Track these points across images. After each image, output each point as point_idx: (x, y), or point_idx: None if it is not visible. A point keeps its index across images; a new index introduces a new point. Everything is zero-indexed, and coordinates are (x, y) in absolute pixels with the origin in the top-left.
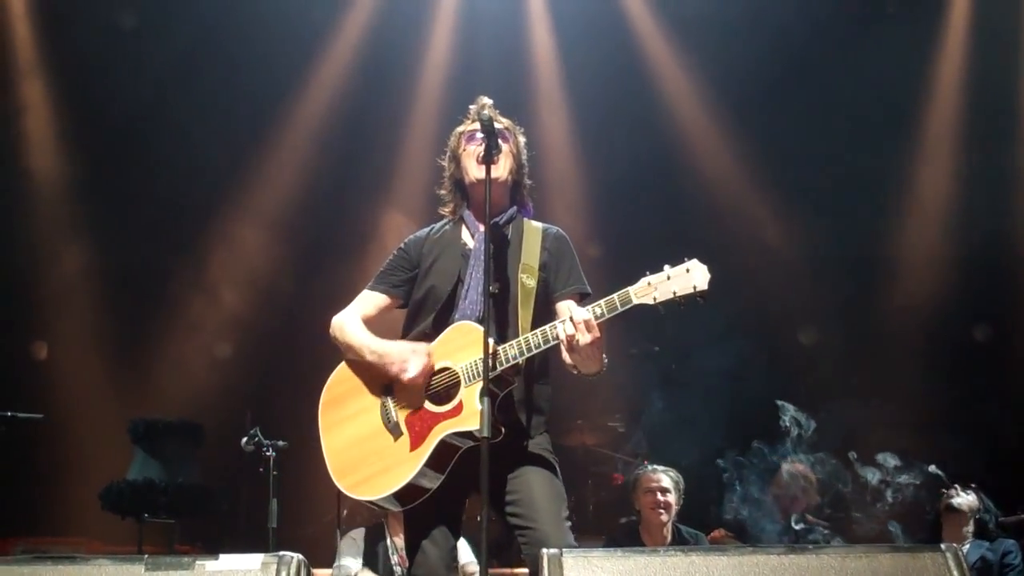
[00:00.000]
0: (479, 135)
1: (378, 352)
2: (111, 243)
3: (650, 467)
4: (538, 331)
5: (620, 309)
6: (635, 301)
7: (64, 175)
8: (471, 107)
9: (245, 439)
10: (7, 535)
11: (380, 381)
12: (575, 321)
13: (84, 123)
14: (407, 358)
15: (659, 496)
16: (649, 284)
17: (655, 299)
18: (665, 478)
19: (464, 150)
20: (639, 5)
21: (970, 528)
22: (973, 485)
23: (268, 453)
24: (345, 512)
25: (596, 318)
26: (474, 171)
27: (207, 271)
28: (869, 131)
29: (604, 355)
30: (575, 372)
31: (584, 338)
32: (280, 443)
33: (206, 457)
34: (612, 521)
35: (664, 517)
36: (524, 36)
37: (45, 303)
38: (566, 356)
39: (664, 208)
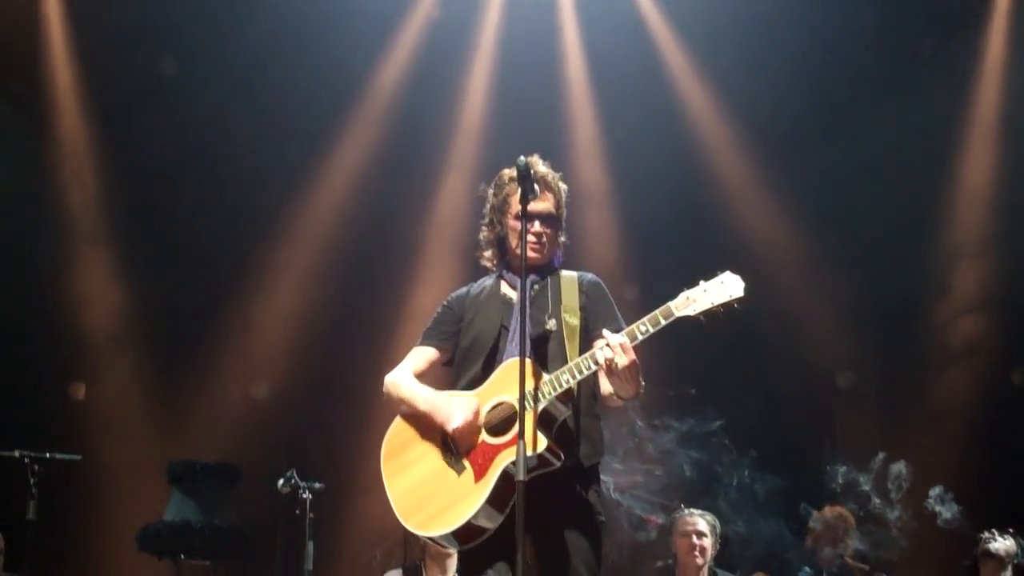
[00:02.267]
0: (535, 221)
1: (430, 402)
2: (149, 285)
3: (687, 511)
4: (581, 358)
5: (663, 323)
6: (677, 314)
7: (102, 217)
8: (521, 160)
9: (282, 481)
10: (45, 575)
11: (439, 426)
12: (611, 344)
13: (123, 166)
14: (452, 408)
15: (695, 540)
16: (688, 298)
17: (695, 311)
18: (701, 522)
19: (513, 228)
20: (675, 53)
21: (1008, 574)
22: (1011, 530)
23: (304, 495)
24: (380, 555)
25: (641, 334)
26: (529, 251)
27: (245, 313)
28: (906, 174)
29: (641, 379)
30: (615, 399)
31: (622, 360)
32: (316, 485)
33: (242, 499)
34: (648, 565)
35: (700, 561)
36: (562, 90)
37: (83, 344)
38: (604, 385)
39: (698, 250)
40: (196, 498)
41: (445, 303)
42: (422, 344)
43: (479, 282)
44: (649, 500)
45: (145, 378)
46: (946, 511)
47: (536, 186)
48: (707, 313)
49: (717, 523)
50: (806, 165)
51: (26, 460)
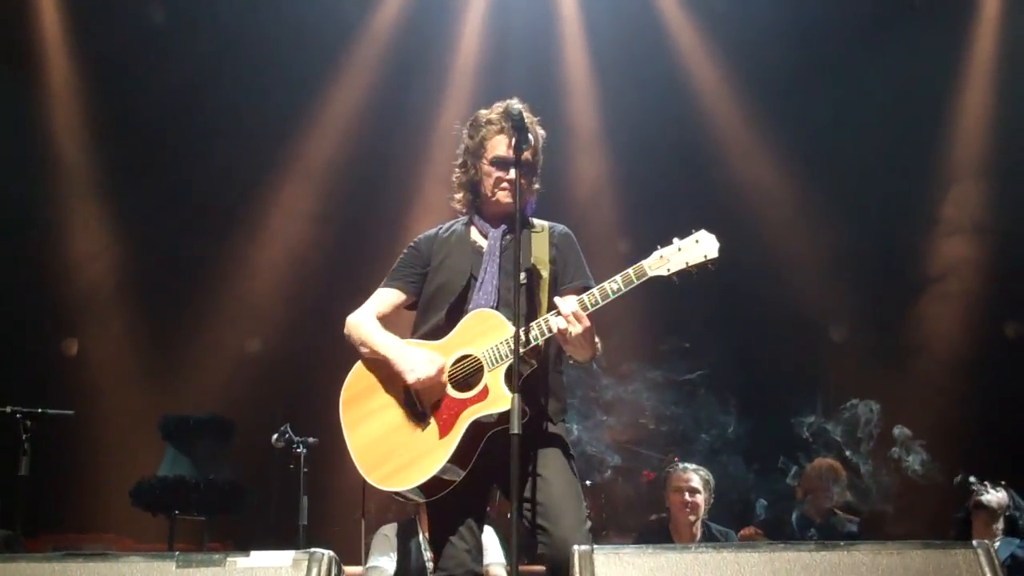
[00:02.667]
0: (508, 162)
1: (393, 352)
2: (140, 240)
3: (681, 466)
4: (542, 319)
5: (636, 282)
6: (650, 274)
7: (94, 171)
8: (499, 105)
9: (276, 436)
10: (38, 532)
11: (401, 378)
12: (564, 314)
13: (114, 118)
14: (415, 362)
15: (687, 496)
16: (662, 257)
17: (668, 270)
18: (695, 477)
19: (488, 174)
20: (670, 3)
21: (1000, 525)
22: (1003, 482)
23: (298, 450)
24: (374, 508)
25: (613, 293)
26: (500, 195)
27: (236, 268)
28: (899, 126)
29: (597, 339)
30: (571, 361)
31: (575, 328)
32: (310, 440)
33: (236, 454)
34: (642, 518)
35: (692, 517)
36: (555, 34)
37: (75, 300)
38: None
39: (693, 204)
40: (190, 453)
41: (412, 244)
42: (387, 285)
43: (448, 225)
44: (639, 452)
45: (137, 333)
46: (914, 461)
47: (517, 133)
48: (680, 274)
49: (711, 478)
50: (798, 114)
51: (18, 416)
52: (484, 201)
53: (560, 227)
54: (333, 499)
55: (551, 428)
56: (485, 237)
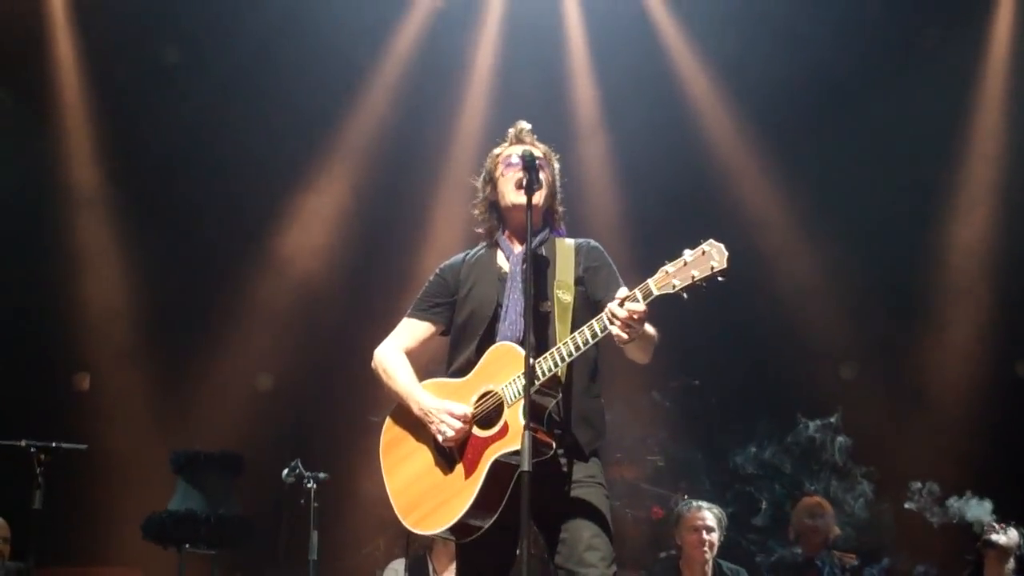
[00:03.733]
0: (514, 159)
1: (421, 408)
2: (153, 275)
3: (694, 504)
4: (577, 333)
5: (643, 304)
6: (656, 293)
7: (106, 206)
8: (509, 130)
9: (286, 471)
10: (50, 564)
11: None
12: (618, 305)
13: (126, 154)
14: (443, 418)
15: (704, 535)
16: (667, 273)
17: (675, 287)
18: (710, 516)
19: (502, 175)
20: (677, 39)
21: (1011, 566)
22: (1014, 522)
23: (309, 485)
24: (383, 544)
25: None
26: (511, 196)
27: (248, 303)
28: (908, 164)
29: (651, 328)
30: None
31: (637, 306)
32: (321, 475)
33: (247, 489)
34: (651, 555)
35: (708, 555)
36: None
37: (88, 334)
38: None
39: (700, 236)
40: (200, 488)
41: (438, 272)
42: (413, 316)
43: (474, 251)
44: (649, 490)
45: (149, 368)
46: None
47: (528, 174)
48: (689, 289)
49: (723, 516)
50: (807, 152)
51: (32, 450)
52: (506, 215)
53: (588, 242)
54: (343, 534)
55: (583, 461)
56: (509, 260)
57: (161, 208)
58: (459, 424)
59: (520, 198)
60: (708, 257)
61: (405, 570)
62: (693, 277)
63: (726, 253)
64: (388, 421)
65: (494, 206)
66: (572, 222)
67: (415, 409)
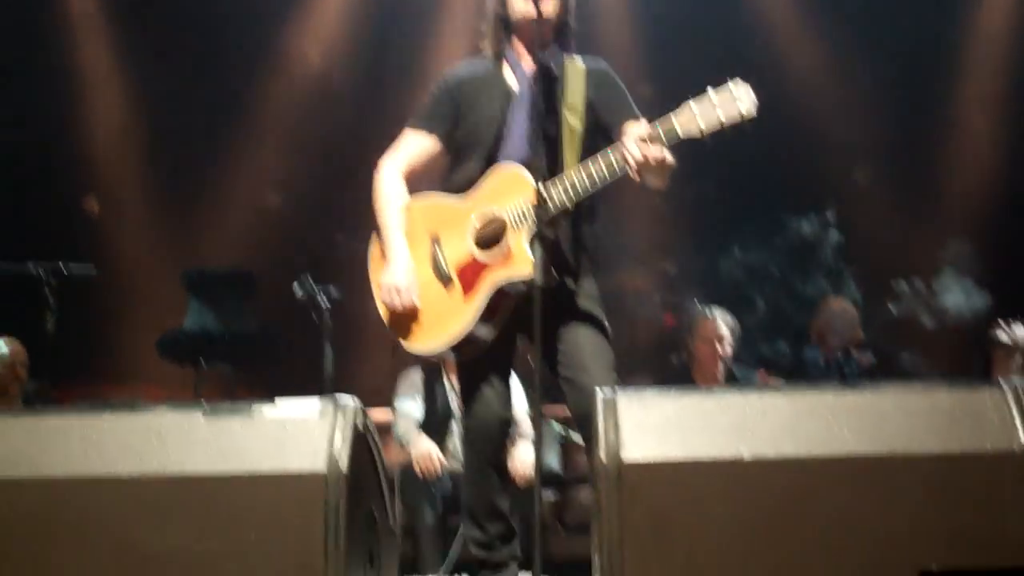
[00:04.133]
0: None
1: (391, 255)
2: (159, 94)
3: (707, 312)
4: (590, 163)
5: (668, 154)
6: (682, 136)
7: (110, 26)
8: None
9: (297, 285)
10: (65, 384)
11: (427, 231)
12: (637, 143)
13: None
14: (399, 286)
15: (718, 346)
16: (695, 115)
17: (701, 131)
18: (723, 327)
19: None
20: None
21: (1020, 362)
22: (1021, 320)
23: (320, 299)
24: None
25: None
26: (521, 6)
27: (256, 118)
28: None
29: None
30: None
31: (654, 153)
32: (332, 289)
33: (260, 306)
34: (662, 362)
35: (721, 365)
36: None
37: (94, 154)
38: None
39: (717, 46)
40: (214, 306)
41: (440, 83)
42: (417, 128)
43: (478, 61)
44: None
45: (157, 188)
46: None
47: None
48: (713, 134)
49: (737, 325)
50: None
51: (41, 273)
52: (515, 29)
53: (598, 65)
54: (358, 347)
55: (579, 282)
56: (516, 76)
57: (166, 26)
58: (405, 298)
59: (531, 8)
60: (736, 102)
61: (421, 378)
62: (720, 123)
63: (754, 96)
64: (375, 236)
65: (501, 19)
66: (582, 42)
67: (385, 246)
